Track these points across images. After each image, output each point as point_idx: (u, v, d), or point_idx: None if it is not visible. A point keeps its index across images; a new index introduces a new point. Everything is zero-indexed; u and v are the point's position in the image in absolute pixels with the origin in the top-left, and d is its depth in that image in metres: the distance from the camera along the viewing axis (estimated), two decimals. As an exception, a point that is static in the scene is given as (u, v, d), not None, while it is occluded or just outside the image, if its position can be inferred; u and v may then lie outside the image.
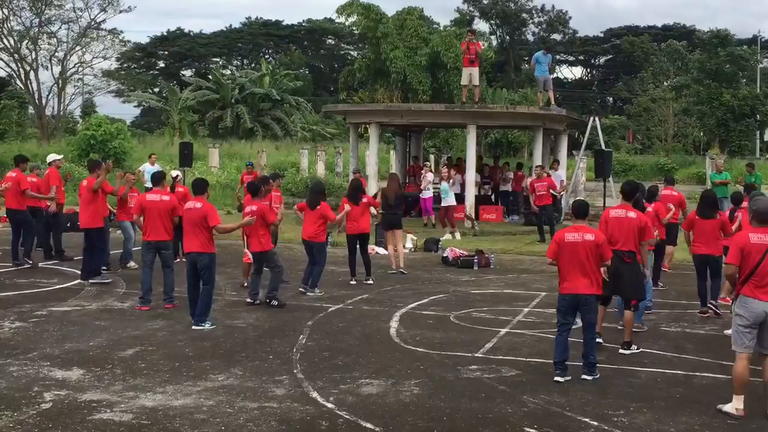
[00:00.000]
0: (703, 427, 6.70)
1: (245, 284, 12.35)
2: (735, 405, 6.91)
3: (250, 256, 11.83)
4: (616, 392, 7.62)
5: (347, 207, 12.95)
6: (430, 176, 21.25)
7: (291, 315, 10.81)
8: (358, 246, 13.48)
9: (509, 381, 7.93)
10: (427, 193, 21.02)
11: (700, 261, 11.04)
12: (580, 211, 8.26)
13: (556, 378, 7.87)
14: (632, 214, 9.14)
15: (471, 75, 21.82)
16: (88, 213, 12.97)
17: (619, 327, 9.53)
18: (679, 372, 8.35)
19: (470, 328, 10.23)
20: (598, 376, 7.98)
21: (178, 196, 12.50)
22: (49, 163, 15.50)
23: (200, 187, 10.51)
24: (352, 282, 13.29)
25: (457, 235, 19.24)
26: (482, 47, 23.86)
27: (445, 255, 16.00)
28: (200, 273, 10.10)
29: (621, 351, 8.99)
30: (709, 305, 11.07)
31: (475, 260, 15.36)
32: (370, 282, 13.29)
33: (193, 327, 9.90)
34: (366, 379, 7.88)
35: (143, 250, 11.39)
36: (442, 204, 19.66)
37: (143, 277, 11.14)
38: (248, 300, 11.48)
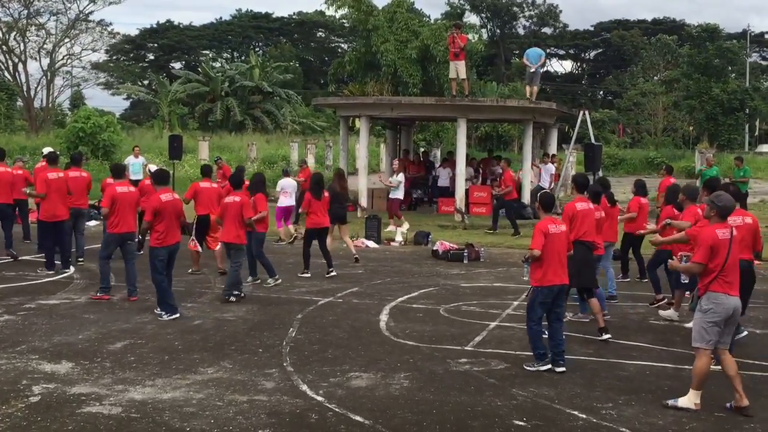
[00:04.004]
0: (690, 420, 6.74)
1: (192, 271, 13.05)
2: (693, 400, 6.94)
3: (197, 245, 12.42)
4: (605, 385, 7.66)
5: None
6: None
7: (281, 308, 10.80)
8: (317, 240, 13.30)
9: (498, 374, 7.95)
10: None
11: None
12: (548, 203, 8.49)
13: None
14: (593, 205, 9.87)
15: (457, 68, 21.83)
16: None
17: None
18: (667, 365, 8.40)
19: (460, 321, 10.25)
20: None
21: (143, 188, 12.79)
22: (44, 156, 15.31)
23: (165, 178, 10.53)
24: (307, 275, 13.10)
25: (405, 227, 18.42)
26: (467, 40, 23.77)
27: (435, 248, 16.01)
28: (171, 263, 10.32)
29: (605, 337, 9.21)
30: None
31: (465, 253, 15.37)
32: (334, 273, 13.15)
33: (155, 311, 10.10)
34: (356, 372, 7.89)
35: (110, 241, 11.18)
36: (390, 196, 19.44)
37: (103, 268, 11.16)
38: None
